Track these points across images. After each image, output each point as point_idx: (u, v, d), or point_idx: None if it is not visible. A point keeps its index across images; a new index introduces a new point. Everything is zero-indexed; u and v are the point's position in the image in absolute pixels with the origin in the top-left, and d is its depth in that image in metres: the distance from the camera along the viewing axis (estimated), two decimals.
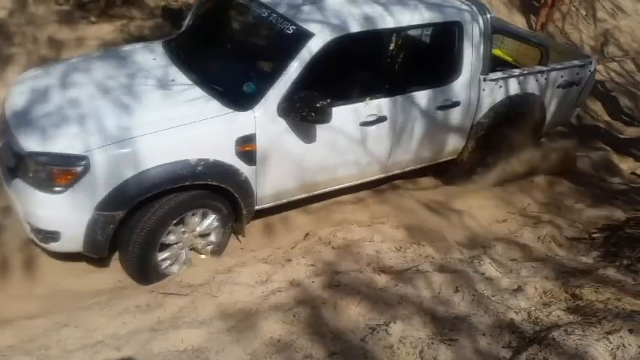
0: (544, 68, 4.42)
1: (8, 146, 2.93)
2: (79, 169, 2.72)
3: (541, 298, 3.02)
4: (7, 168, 2.95)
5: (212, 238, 3.32)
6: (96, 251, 2.94)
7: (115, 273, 3.22)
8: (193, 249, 3.32)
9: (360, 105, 3.46)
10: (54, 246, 2.93)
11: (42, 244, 2.95)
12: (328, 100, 3.00)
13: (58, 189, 2.73)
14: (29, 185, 2.79)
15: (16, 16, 4.92)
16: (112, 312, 2.70)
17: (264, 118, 3.09)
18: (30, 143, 2.80)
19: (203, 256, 3.34)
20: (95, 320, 2.64)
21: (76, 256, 3.00)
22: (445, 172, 4.41)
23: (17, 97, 3.15)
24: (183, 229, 3.16)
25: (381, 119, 3.56)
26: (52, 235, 2.86)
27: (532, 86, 4.30)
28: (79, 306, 2.85)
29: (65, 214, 2.79)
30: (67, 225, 2.83)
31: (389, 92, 3.59)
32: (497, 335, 2.65)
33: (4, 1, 4.91)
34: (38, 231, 2.87)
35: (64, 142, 2.78)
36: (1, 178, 3.09)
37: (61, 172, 2.73)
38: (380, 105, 3.53)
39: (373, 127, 3.55)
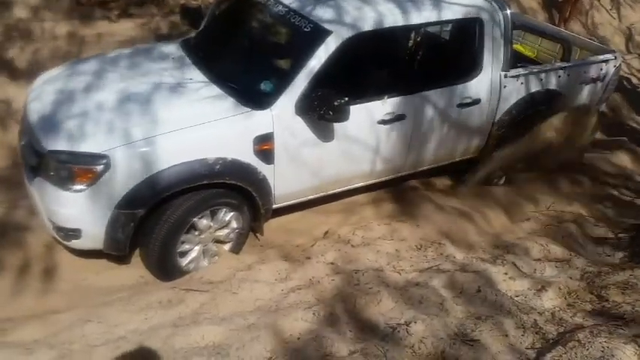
0: (566, 64, 4.33)
1: (30, 145, 2.97)
2: (99, 167, 2.74)
3: (565, 298, 2.96)
4: (29, 166, 2.99)
5: (233, 224, 3.31)
6: (116, 249, 2.97)
7: (136, 269, 3.25)
8: (217, 241, 3.32)
9: (378, 103, 3.42)
10: (75, 243, 2.96)
11: (64, 242, 2.99)
12: (346, 99, 2.97)
13: (78, 187, 2.76)
14: (50, 183, 2.82)
15: (38, 15, 5.01)
16: (134, 307, 2.73)
17: (281, 117, 3.08)
18: (51, 142, 2.83)
19: (227, 247, 3.34)
20: (118, 316, 2.67)
21: (98, 252, 3.03)
22: (466, 170, 4.34)
23: (38, 97, 3.19)
24: (206, 225, 3.17)
25: (400, 117, 3.52)
26: (74, 233, 2.88)
27: (554, 83, 4.21)
28: (101, 301, 2.89)
29: (86, 212, 2.82)
30: (87, 223, 2.86)
31: (407, 90, 3.54)
32: (520, 336, 2.62)
33: (25, 2, 5.00)
34: (60, 229, 2.90)
35: (84, 141, 2.80)
36: (23, 177, 3.14)
37: (81, 170, 2.75)
38: (398, 103, 3.50)
39: (391, 126, 3.51)
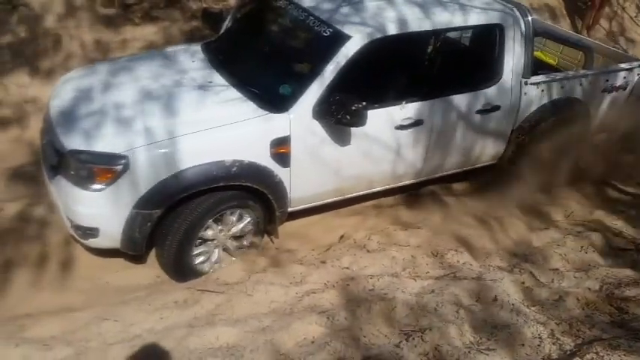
0: (588, 72, 4.27)
1: (51, 144, 3.02)
2: (118, 167, 2.77)
3: (583, 309, 2.91)
4: (49, 165, 3.04)
5: (244, 242, 3.35)
6: (133, 248, 3.00)
7: (153, 269, 3.27)
8: (225, 250, 3.33)
9: (396, 108, 3.41)
10: (93, 242, 2.99)
11: (81, 240, 3.03)
12: (364, 103, 2.97)
13: (98, 187, 2.79)
14: (70, 183, 2.86)
15: (62, 18, 5.10)
16: (150, 307, 2.76)
17: (299, 121, 3.09)
18: (71, 141, 2.88)
19: (234, 259, 3.35)
20: (134, 315, 2.69)
21: (115, 251, 3.06)
22: (484, 177, 4.30)
23: (61, 97, 3.25)
24: (219, 228, 3.19)
25: (418, 123, 3.50)
26: (91, 232, 2.92)
27: (575, 90, 4.16)
28: (118, 300, 2.92)
29: (104, 211, 2.85)
30: (105, 222, 2.89)
31: (426, 95, 3.53)
32: (536, 346, 2.58)
33: (50, 5, 5.10)
34: (78, 227, 2.94)
35: (104, 141, 2.84)
36: (44, 175, 3.19)
37: (101, 170, 2.79)
38: (416, 108, 3.48)
39: (409, 131, 3.50)
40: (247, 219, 3.27)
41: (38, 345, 2.43)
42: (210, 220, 3.10)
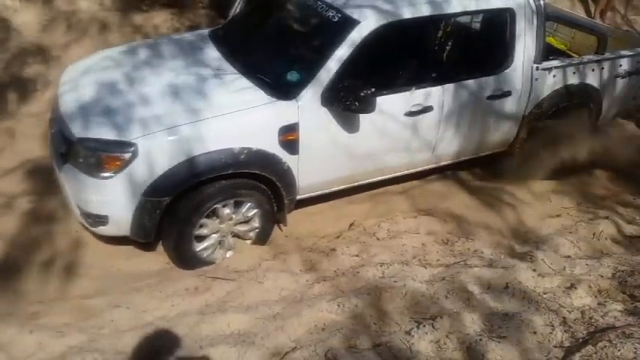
0: (601, 57, 4.20)
1: (60, 132, 3.02)
2: (127, 155, 2.77)
3: (596, 297, 2.88)
4: (58, 153, 3.04)
5: (255, 223, 3.32)
6: (143, 236, 3.00)
7: (163, 255, 3.27)
8: (236, 236, 3.32)
9: (405, 94, 3.37)
10: (102, 230, 3.00)
11: (91, 228, 3.04)
12: (372, 90, 2.94)
13: (106, 174, 2.80)
14: (79, 170, 2.86)
15: (69, 6, 5.10)
16: (161, 294, 2.77)
17: (307, 108, 3.07)
18: (80, 130, 2.88)
19: (248, 242, 3.34)
20: (146, 302, 2.71)
21: (125, 239, 3.07)
22: (495, 163, 4.27)
23: (69, 85, 3.25)
24: (225, 215, 3.17)
25: (428, 109, 3.47)
26: (101, 220, 2.93)
27: (588, 76, 4.09)
28: (130, 287, 2.93)
29: (113, 199, 2.86)
30: (115, 210, 2.90)
31: (436, 81, 3.49)
32: (548, 334, 2.56)
33: None
34: (87, 215, 2.95)
35: (113, 129, 2.84)
36: (53, 164, 3.19)
37: (109, 158, 2.79)
38: (426, 94, 3.44)
39: (419, 117, 3.46)
40: (247, 204, 3.23)
41: (52, 332, 2.46)
42: (204, 218, 3.06)
